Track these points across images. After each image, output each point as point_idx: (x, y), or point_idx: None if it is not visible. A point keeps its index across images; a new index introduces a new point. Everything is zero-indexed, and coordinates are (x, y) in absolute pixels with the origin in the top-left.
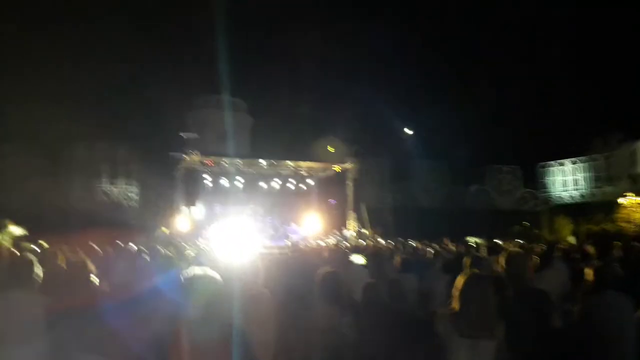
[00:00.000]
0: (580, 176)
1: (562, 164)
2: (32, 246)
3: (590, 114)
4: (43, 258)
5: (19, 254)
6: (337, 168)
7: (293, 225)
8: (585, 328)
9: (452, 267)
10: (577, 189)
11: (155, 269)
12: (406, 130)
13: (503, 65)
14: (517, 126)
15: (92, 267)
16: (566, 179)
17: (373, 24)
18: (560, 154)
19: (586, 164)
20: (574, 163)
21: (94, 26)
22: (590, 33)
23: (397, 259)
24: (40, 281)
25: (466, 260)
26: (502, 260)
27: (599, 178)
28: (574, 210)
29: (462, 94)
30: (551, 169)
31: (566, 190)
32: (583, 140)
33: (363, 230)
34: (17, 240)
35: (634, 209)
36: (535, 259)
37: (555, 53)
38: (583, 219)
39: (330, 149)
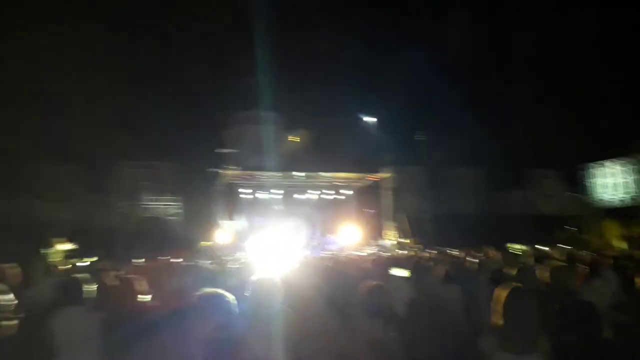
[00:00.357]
0: (628, 178)
1: (608, 166)
2: (82, 263)
3: (637, 113)
4: (93, 275)
5: (71, 272)
6: (373, 177)
7: (331, 236)
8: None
9: (499, 278)
10: (625, 191)
11: (200, 284)
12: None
13: (543, 65)
14: (560, 127)
15: (142, 283)
16: (614, 181)
17: (409, 35)
18: (607, 155)
19: (634, 165)
20: (621, 165)
21: (136, 47)
22: (629, 31)
23: (440, 271)
24: (92, 298)
25: (511, 271)
26: (546, 274)
27: None
28: (623, 214)
29: (500, 96)
30: (597, 170)
31: (614, 193)
32: (630, 141)
33: (402, 240)
34: (67, 257)
35: None
36: (584, 268)
37: (597, 51)
38: (633, 223)
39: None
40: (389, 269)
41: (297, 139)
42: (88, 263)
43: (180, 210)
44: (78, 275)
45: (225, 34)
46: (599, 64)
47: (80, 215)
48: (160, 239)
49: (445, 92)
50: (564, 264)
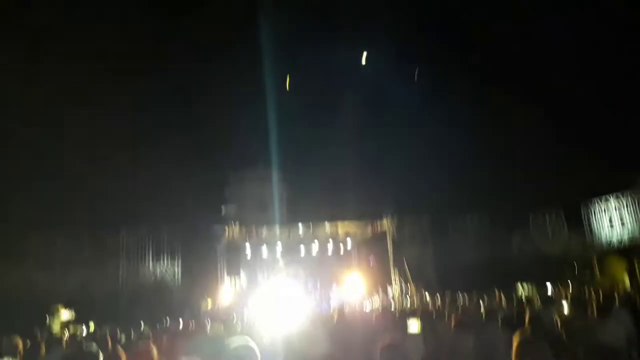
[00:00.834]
0: (630, 214)
1: (612, 202)
2: (83, 331)
3: (632, 148)
4: (99, 343)
5: (75, 342)
6: (375, 227)
7: (335, 288)
8: None
9: (512, 324)
10: (629, 230)
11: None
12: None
13: (539, 102)
14: (561, 165)
15: (153, 352)
16: (614, 218)
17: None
18: (610, 191)
19: (632, 199)
20: (624, 200)
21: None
22: (626, 63)
23: (452, 320)
24: None
25: (521, 316)
26: (559, 322)
27: None
28: (628, 250)
29: (500, 139)
30: (601, 207)
31: (617, 231)
32: (626, 175)
33: (407, 287)
34: (67, 325)
35: None
36: (593, 309)
37: (595, 85)
38: (637, 258)
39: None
40: (401, 322)
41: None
42: (89, 331)
43: (182, 272)
44: (85, 348)
45: (228, 92)
46: (601, 99)
47: (80, 282)
48: (163, 303)
49: (445, 137)
50: (572, 314)
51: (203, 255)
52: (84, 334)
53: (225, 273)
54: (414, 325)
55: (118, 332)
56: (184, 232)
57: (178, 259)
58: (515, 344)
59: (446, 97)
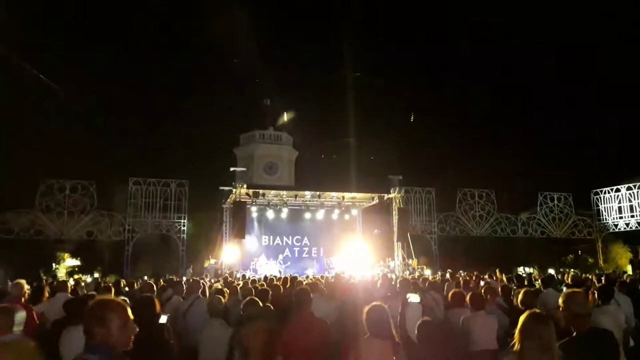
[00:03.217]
0: (635, 202)
1: (617, 190)
2: (88, 278)
3: None
4: (100, 291)
5: (78, 289)
6: (381, 198)
7: (338, 256)
8: None
9: (510, 303)
10: (633, 215)
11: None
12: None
13: (553, 90)
14: (569, 151)
15: (154, 302)
16: (621, 205)
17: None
18: (615, 180)
19: None
20: (628, 189)
21: (144, 68)
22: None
23: (450, 294)
24: None
25: (522, 295)
26: (560, 300)
27: None
28: (632, 237)
29: (511, 119)
30: (605, 195)
31: (622, 217)
32: (638, 165)
33: (409, 261)
34: (72, 273)
35: None
36: (593, 292)
37: (604, 76)
38: None
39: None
40: (398, 290)
41: (306, 159)
42: (93, 278)
43: (188, 228)
44: (88, 293)
45: (238, 55)
46: (612, 89)
47: (87, 230)
48: (167, 256)
49: (457, 114)
50: (577, 289)
51: (209, 214)
52: (89, 282)
53: (230, 233)
54: (414, 297)
55: (122, 282)
56: (192, 189)
57: (185, 215)
58: (520, 320)
59: (463, 71)
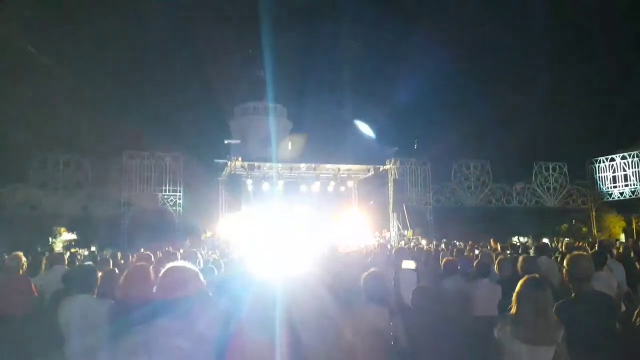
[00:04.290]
0: (630, 171)
1: (611, 159)
2: (84, 252)
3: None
4: (98, 264)
5: (75, 261)
6: (376, 169)
7: (334, 228)
8: None
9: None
10: (627, 185)
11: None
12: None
13: (548, 61)
14: (564, 121)
15: (148, 271)
16: (616, 175)
17: (414, 24)
18: (610, 149)
19: (637, 159)
20: (623, 158)
21: (141, 42)
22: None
23: (443, 262)
24: (99, 285)
25: (519, 262)
26: (564, 263)
27: None
28: (625, 206)
29: (507, 89)
30: (600, 164)
31: (616, 187)
32: (633, 134)
33: (405, 232)
34: (69, 246)
35: None
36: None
37: (601, 49)
38: (635, 216)
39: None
40: (394, 259)
41: (301, 131)
42: (90, 252)
43: (184, 201)
44: (85, 264)
45: (234, 26)
46: (606, 61)
47: (83, 205)
48: (163, 229)
49: (451, 84)
50: (581, 252)
51: (205, 187)
52: (86, 255)
53: (226, 206)
54: (408, 263)
55: (118, 255)
56: (187, 162)
57: (180, 188)
58: (519, 286)
59: (457, 42)
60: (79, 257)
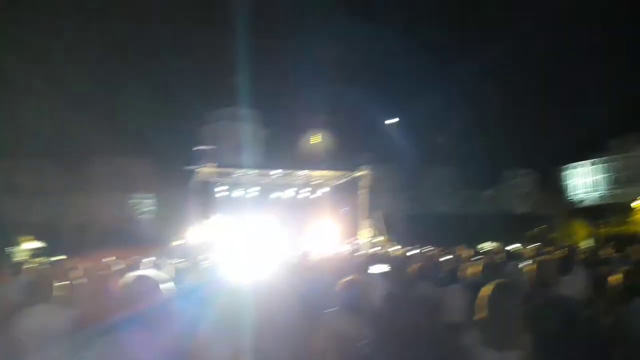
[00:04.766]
0: (596, 178)
1: (579, 166)
2: (49, 261)
3: (608, 116)
4: (62, 273)
5: (38, 271)
6: (349, 175)
7: (308, 234)
8: (616, 337)
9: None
10: (594, 191)
11: (169, 282)
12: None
13: (520, 67)
14: (534, 129)
15: (112, 280)
16: (584, 181)
17: (389, 32)
18: (578, 157)
19: (604, 166)
20: (592, 164)
21: (114, 46)
22: (604, 36)
23: (413, 267)
24: (61, 296)
25: (482, 267)
26: (531, 267)
27: (617, 179)
28: (592, 212)
29: (478, 97)
30: (568, 171)
31: (584, 193)
32: (601, 142)
33: (378, 238)
34: (33, 255)
35: None
36: (554, 263)
37: (572, 56)
38: (601, 222)
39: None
40: (366, 265)
41: (275, 137)
42: (55, 261)
43: (153, 208)
44: (46, 274)
45: (203, 32)
46: (573, 67)
47: (48, 213)
48: (132, 236)
49: (423, 92)
50: (548, 257)
51: (175, 193)
52: (50, 264)
53: (197, 213)
54: (379, 268)
55: (85, 263)
56: (158, 168)
57: (150, 195)
58: (486, 291)
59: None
60: (41, 265)
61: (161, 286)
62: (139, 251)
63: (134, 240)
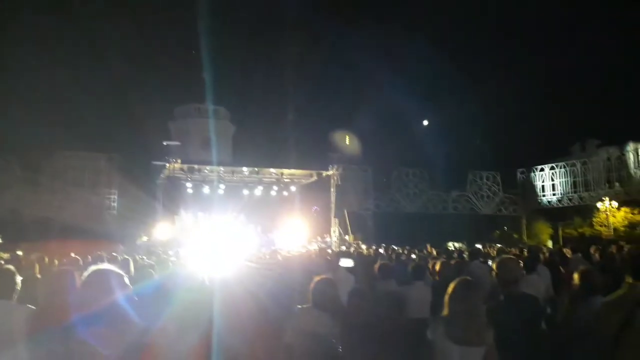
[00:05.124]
0: (558, 181)
1: (541, 170)
2: (10, 255)
3: (569, 121)
4: (20, 267)
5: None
6: (318, 175)
7: (276, 232)
8: (574, 333)
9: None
10: (555, 194)
11: (133, 279)
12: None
13: (484, 72)
14: (498, 133)
15: (73, 276)
16: (545, 184)
17: (357, 31)
18: (539, 160)
19: (564, 170)
20: (552, 168)
21: (78, 38)
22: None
23: (377, 265)
24: (19, 291)
25: (438, 265)
26: (494, 265)
27: (576, 183)
28: (553, 214)
29: (443, 100)
30: (530, 174)
31: (545, 195)
32: (561, 147)
33: (345, 237)
34: None
35: (610, 213)
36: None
37: (535, 61)
38: (562, 224)
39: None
40: (334, 263)
41: (244, 134)
42: (14, 255)
43: (118, 204)
44: (6, 270)
45: (171, 26)
46: (535, 72)
47: (8, 208)
48: (96, 232)
49: (392, 93)
50: (511, 256)
51: (142, 190)
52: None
53: (164, 210)
54: (346, 262)
55: (45, 259)
56: (123, 163)
57: (115, 191)
58: (450, 288)
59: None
60: (1, 261)
61: (123, 281)
62: (102, 247)
63: (98, 236)
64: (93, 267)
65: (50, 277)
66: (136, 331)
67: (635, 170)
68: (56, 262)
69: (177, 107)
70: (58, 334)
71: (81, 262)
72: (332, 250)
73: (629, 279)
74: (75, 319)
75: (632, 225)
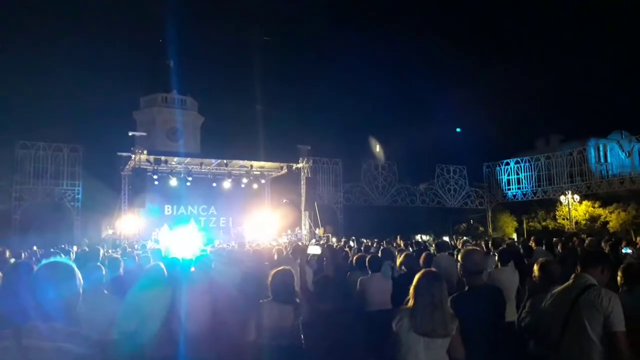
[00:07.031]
0: (522, 175)
1: (506, 164)
2: None
3: (534, 116)
4: None
5: None
6: (288, 167)
7: (246, 226)
8: (535, 324)
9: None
10: (520, 188)
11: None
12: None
13: (452, 69)
14: (465, 127)
15: (32, 270)
16: (510, 178)
17: (329, 22)
18: (505, 155)
19: (529, 164)
20: (517, 162)
21: (39, 27)
22: (527, 41)
23: (347, 255)
24: None
25: (402, 257)
26: (459, 257)
27: (540, 177)
28: (518, 208)
29: (412, 94)
30: (496, 168)
31: (510, 189)
32: (526, 142)
33: (316, 230)
34: None
35: (572, 207)
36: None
37: (502, 60)
38: (526, 217)
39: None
40: (302, 254)
41: (213, 126)
42: None
43: (83, 196)
44: None
45: (135, 14)
46: (502, 69)
47: None
48: (59, 226)
49: (364, 87)
50: (474, 247)
51: (106, 181)
52: None
53: (129, 202)
54: (314, 249)
55: (7, 252)
56: (87, 154)
57: (79, 182)
58: (415, 279)
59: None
60: None
61: (74, 274)
62: (68, 241)
63: (62, 230)
64: (44, 261)
65: (6, 270)
66: (88, 326)
67: (596, 165)
68: (22, 255)
69: (143, 96)
70: (11, 330)
71: (39, 255)
72: (302, 243)
73: (578, 270)
74: (27, 314)
75: (592, 219)
